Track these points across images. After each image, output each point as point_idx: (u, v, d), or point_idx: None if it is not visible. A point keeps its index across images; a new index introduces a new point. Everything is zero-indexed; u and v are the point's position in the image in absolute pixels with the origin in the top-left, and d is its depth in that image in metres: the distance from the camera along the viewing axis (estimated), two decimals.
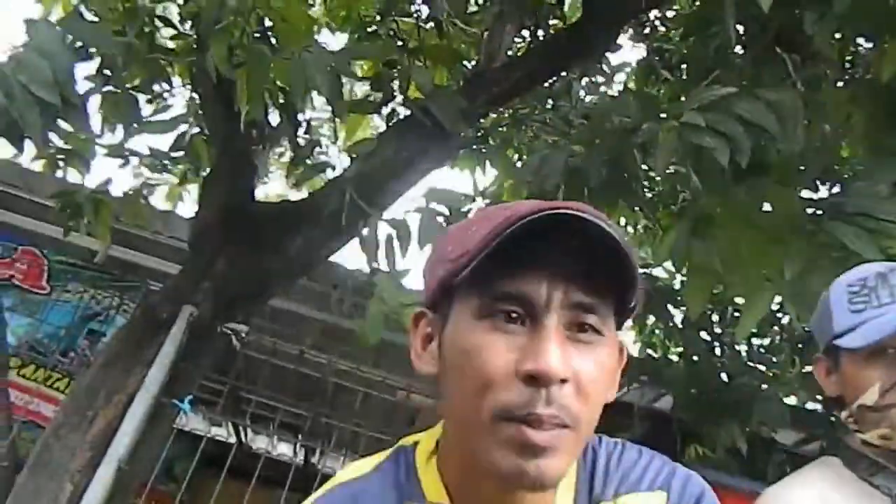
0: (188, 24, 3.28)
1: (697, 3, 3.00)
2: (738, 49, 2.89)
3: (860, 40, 2.94)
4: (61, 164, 3.32)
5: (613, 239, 0.65)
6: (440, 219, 2.56)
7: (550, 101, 4.41)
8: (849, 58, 3.07)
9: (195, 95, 3.62)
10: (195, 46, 3.08)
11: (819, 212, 2.48)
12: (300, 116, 3.26)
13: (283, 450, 5.62)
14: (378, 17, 3.46)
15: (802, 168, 2.52)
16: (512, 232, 0.61)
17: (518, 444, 0.61)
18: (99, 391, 2.80)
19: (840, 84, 2.91)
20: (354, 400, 3.86)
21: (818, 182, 2.82)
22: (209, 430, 4.49)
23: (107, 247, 4.25)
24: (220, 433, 6.02)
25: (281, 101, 3.02)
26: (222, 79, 2.76)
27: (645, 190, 3.96)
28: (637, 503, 0.76)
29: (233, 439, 5.95)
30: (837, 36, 2.68)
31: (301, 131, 3.26)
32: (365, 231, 2.64)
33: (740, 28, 2.87)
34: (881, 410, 1.07)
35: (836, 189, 2.82)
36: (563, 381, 0.62)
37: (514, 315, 0.63)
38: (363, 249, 2.67)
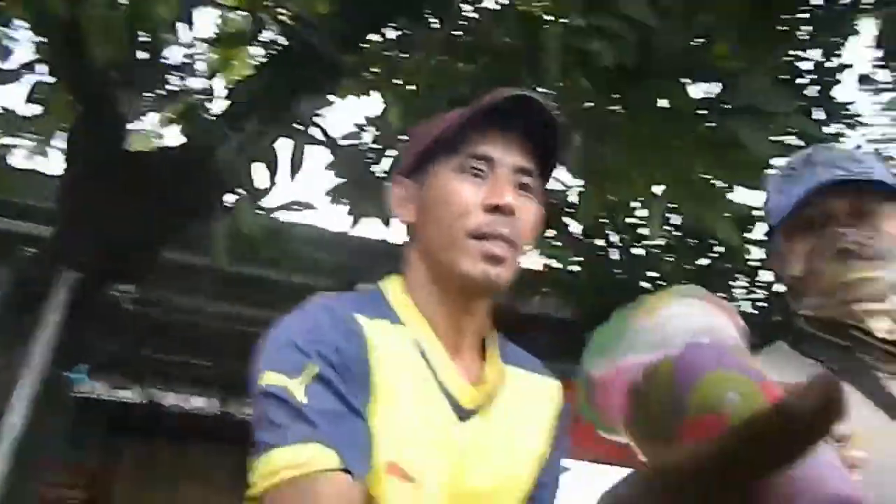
0: None
1: None
2: None
3: None
4: None
5: (552, 119, 0.90)
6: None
7: (432, 20, 4.28)
8: None
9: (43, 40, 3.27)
10: None
11: (705, 111, 2.55)
12: (161, 51, 3.01)
13: (199, 404, 5.49)
14: None
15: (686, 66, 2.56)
16: (483, 109, 0.87)
17: (484, 255, 0.86)
18: None
19: None
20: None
21: (701, 79, 2.89)
22: (115, 395, 4.31)
23: None
24: (129, 396, 5.80)
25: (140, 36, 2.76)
26: (69, 20, 2.49)
27: None
28: (538, 381, 0.99)
29: (144, 401, 5.75)
30: None
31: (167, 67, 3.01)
32: (225, 149, 2.47)
33: None
34: (808, 278, 1.09)
35: (718, 86, 2.90)
36: (513, 213, 0.87)
37: (480, 171, 0.89)
38: (224, 176, 2.51)
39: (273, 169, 2.40)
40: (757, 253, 4.59)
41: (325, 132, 2.50)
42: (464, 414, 0.86)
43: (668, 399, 0.43)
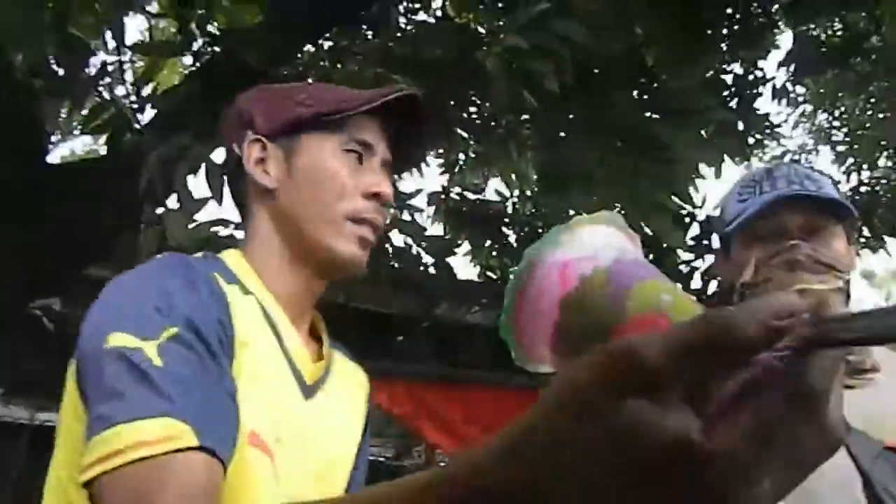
0: None
1: None
2: None
3: None
4: None
5: (422, 122, 0.97)
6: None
7: (370, 32, 4.28)
8: None
9: None
10: None
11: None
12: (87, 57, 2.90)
13: None
14: None
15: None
16: (381, 100, 0.90)
17: (359, 238, 0.88)
18: None
19: None
20: None
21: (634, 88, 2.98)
22: (34, 418, 4.10)
23: None
24: (50, 418, 5.53)
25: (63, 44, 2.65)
26: None
27: (471, 115, 4.00)
28: (352, 366, 1.00)
29: None
30: None
31: (89, 77, 2.90)
32: (152, 157, 2.37)
33: None
34: (757, 286, 1.13)
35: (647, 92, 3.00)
36: (387, 202, 0.92)
37: (360, 155, 0.91)
38: (147, 188, 2.41)
39: (209, 181, 2.33)
40: (686, 257, 4.75)
41: None
42: (307, 391, 0.85)
43: (604, 303, 0.46)
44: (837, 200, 1.15)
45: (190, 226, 2.17)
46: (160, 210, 2.53)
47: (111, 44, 3.38)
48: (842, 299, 1.12)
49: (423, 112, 0.96)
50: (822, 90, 6.51)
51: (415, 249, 4.02)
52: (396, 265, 3.71)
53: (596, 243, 0.50)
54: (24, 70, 2.66)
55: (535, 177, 4.45)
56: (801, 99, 6.96)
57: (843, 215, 1.16)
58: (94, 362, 0.68)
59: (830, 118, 7.24)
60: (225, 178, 1.00)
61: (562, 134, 2.60)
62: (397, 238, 4.02)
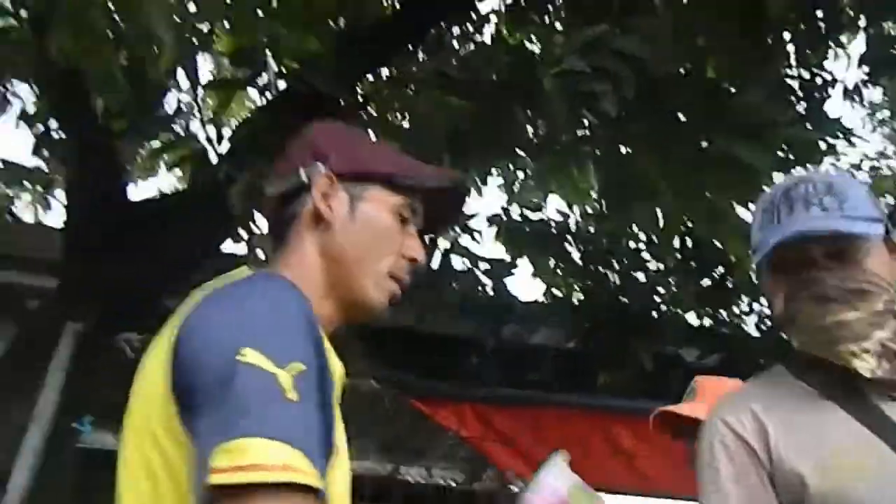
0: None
1: None
2: None
3: None
4: None
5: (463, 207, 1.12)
6: None
7: (425, 56, 4.34)
8: None
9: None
10: (35, 33, 2.80)
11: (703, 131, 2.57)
12: (162, 98, 3.04)
13: None
14: None
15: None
16: (442, 183, 1.03)
17: (392, 294, 0.97)
18: None
19: None
20: None
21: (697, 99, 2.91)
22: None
23: None
24: None
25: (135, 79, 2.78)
26: (68, 72, 2.52)
27: (529, 135, 4.00)
28: None
29: None
30: None
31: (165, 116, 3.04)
32: (237, 188, 2.43)
33: None
34: (789, 320, 1.11)
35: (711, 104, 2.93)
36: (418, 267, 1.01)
37: (407, 221, 0.99)
38: (237, 222, 2.48)
39: None
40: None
41: None
42: None
43: None
44: (861, 223, 1.08)
45: None
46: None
47: (184, 82, 3.55)
48: (887, 320, 1.06)
49: (464, 199, 1.09)
50: None
51: (478, 269, 4.03)
52: (458, 288, 3.72)
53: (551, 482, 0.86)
54: (103, 112, 2.81)
55: (594, 195, 4.39)
56: (877, 102, 6.67)
57: (874, 232, 1.10)
58: (223, 370, 0.69)
59: None
60: (268, 190, 0.99)
61: (623, 149, 2.57)
62: (457, 262, 4.03)
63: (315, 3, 3.14)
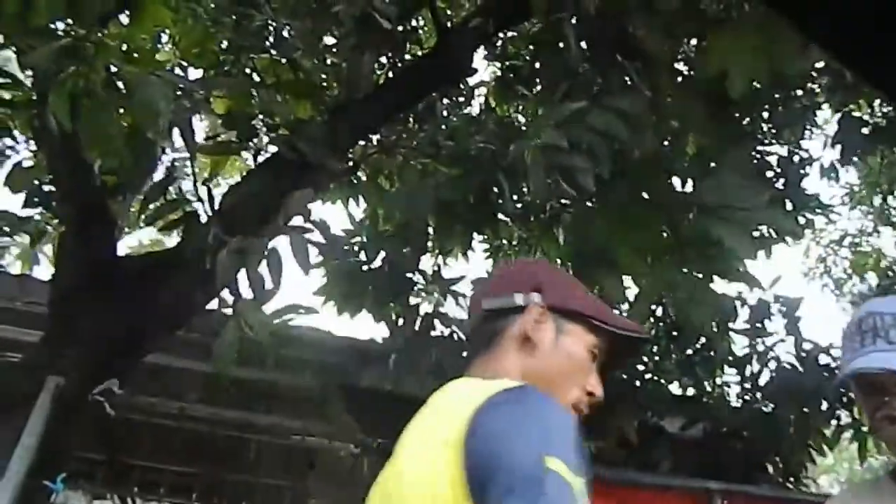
0: (28, 73, 3.07)
1: (539, 25, 3.15)
2: (585, 64, 3.06)
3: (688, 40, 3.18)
4: None
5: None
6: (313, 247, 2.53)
7: (415, 125, 4.48)
8: (681, 56, 3.32)
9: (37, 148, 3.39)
10: (35, 98, 2.89)
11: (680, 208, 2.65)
12: (157, 157, 3.11)
13: None
14: (231, 56, 3.38)
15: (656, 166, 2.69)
16: (632, 335, 1.16)
17: (578, 411, 1.07)
18: None
19: (679, 80, 3.13)
20: (248, 451, 3.70)
21: (672, 177, 3.02)
22: None
23: None
24: None
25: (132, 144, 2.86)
26: (67, 132, 2.59)
27: (514, 203, 4.10)
28: None
29: None
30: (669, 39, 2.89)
31: (159, 176, 3.10)
32: (224, 254, 2.50)
33: (583, 44, 3.04)
34: (876, 432, 1.29)
35: (686, 183, 3.03)
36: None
37: (596, 358, 1.11)
38: (220, 279, 2.54)
39: (278, 271, 2.44)
40: (742, 342, 4.63)
41: (318, 225, 2.58)
42: None
43: None
44: None
45: (266, 313, 2.27)
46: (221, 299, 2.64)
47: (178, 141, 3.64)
48: None
49: (641, 349, 1.16)
50: (872, 170, 6.43)
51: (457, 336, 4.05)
52: (438, 354, 3.74)
53: None
54: (100, 169, 2.87)
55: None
56: (853, 180, 6.87)
57: None
58: (531, 472, 0.81)
59: (887, 198, 7.11)
60: (485, 304, 1.12)
61: (596, 221, 2.65)
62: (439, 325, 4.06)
63: (310, 74, 3.26)
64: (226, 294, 2.65)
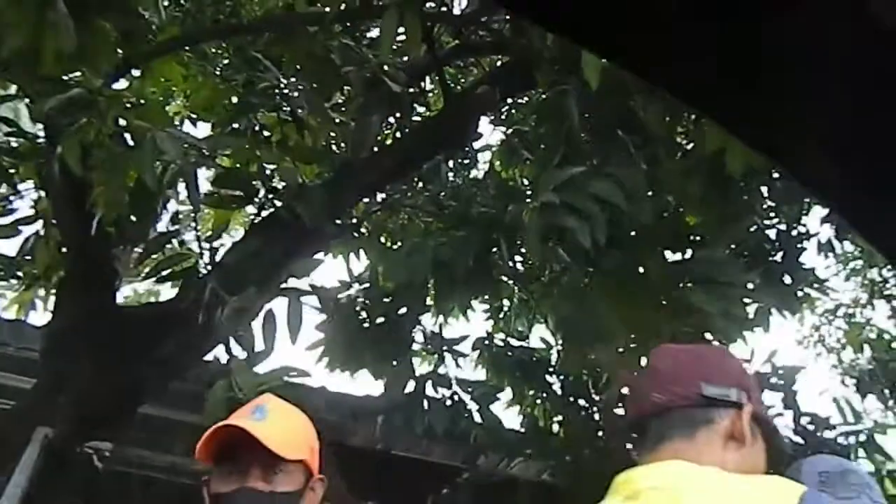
0: (38, 126, 3.13)
1: (545, 95, 3.23)
2: (584, 136, 3.12)
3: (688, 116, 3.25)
4: None
5: None
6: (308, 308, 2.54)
7: (419, 184, 4.54)
8: (681, 131, 3.39)
9: (43, 196, 3.43)
10: (44, 147, 2.94)
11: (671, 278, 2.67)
12: (160, 209, 3.14)
13: None
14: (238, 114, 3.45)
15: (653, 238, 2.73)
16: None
17: None
18: None
19: (678, 157, 3.20)
20: None
21: (668, 250, 3.05)
22: None
23: None
24: None
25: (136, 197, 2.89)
26: (74, 181, 2.63)
27: (515, 264, 4.12)
28: None
29: None
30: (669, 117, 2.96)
31: (161, 226, 3.13)
32: (224, 313, 2.52)
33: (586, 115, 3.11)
34: None
35: (682, 256, 3.06)
36: None
37: None
38: (216, 335, 2.56)
39: (272, 332, 2.45)
40: None
41: (315, 288, 2.60)
42: None
43: None
44: None
45: (257, 374, 2.27)
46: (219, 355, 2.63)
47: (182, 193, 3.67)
48: None
49: None
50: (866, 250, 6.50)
51: (464, 394, 4.01)
52: (440, 414, 3.70)
53: None
54: (103, 219, 2.90)
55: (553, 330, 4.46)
56: (850, 255, 6.93)
57: None
58: None
59: (882, 272, 7.17)
60: (707, 390, 1.15)
61: (588, 288, 2.67)
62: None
63: (316, 133, 3.32)
64: (220, 351, 2.64)
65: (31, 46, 2.33)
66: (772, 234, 4.40)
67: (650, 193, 2.59)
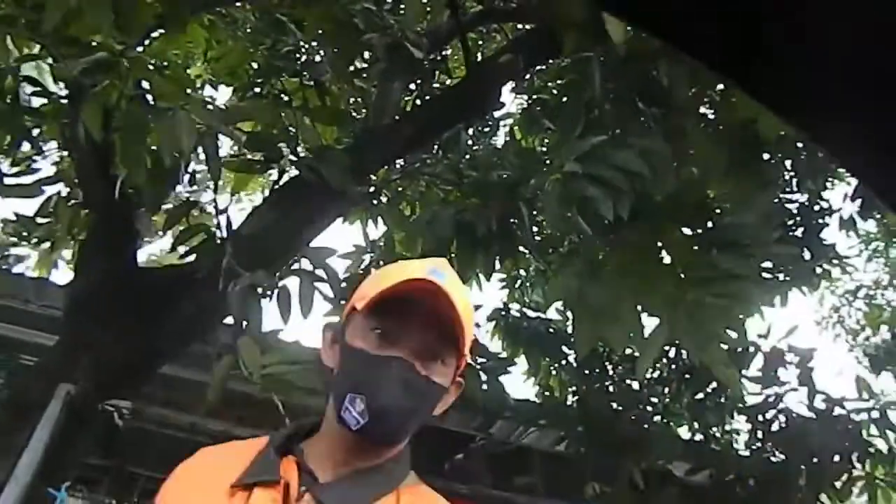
0: (60, 85, 3.14)
1: (567, 62, 3.18)
2: (606, 105, 3.07)
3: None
4: None
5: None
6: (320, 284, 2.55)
7: (439, 152, 4.51)
8: (706, 101, 3.33)
9: (66, 157, 3.45)
10: (67, 108, 2.95)
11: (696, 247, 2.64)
12: (181, 173, 3.15)
13: None
14: (260, 78, 3.44)
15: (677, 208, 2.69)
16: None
17: None
18: None
19: (702, 126, 3.14)
20: None
21: (690, 221, 3.01)
22: None
23: None
24: None
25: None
26: (96, 143, 2.64)
27: (534, 234, 4.10)
28: None
29: None
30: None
31: (182, 188, 3.15)
32: (235, 290, 2.53)
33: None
34: None
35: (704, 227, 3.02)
36: None
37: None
38: (230, 309, 2.56)
39: (287, 310, 2.46)
40: (753, 389, 4.58)
41: (328, 274, 2.60)
42: None
43: None
44: None
45: (263, 354, 2.28)
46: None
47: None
48: None
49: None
50: (891, 226, 6.40)
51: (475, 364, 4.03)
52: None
53: None
54: (125, 180, 2.92)
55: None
56: (872, 235, 6.82)
57: None
58: None
59: None
60: None
61: (607, 265, 2.65)
62: None
63: (337, 99, 3.30)
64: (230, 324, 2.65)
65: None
66: (793, 208, 4.35)
67: (672, 165, 2.55)
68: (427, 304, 1.01)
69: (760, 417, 4.54)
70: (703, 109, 3.31)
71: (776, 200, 4.09)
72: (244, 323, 2.43)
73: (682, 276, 2.35)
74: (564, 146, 2.69)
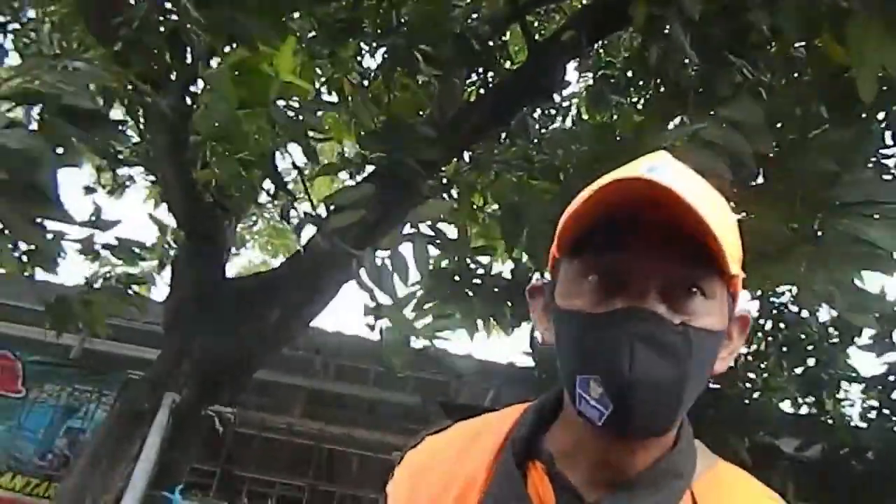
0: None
1: (634, 35, 3.07)
2: (694, 69, 2.93)
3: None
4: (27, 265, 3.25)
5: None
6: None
7: (507, 140, 4.46)
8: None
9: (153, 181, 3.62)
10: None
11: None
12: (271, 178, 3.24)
13: None
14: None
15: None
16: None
17: None
18: (84, 495, 2.70)
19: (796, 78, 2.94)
20: (351, 465, 3.78)
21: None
22: None
23: (82, 341, 4.17)
24: None
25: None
26: (185, 165, 2.76)
27: None
28: None
29: None
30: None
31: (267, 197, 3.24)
32: (361, 270, 2.56)
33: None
34: None
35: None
36: None
37: None
38: (361, 288, 2.58)
39: (405, 274, 2.47)
40: (862, 358, 4.31)
41: (437, 232, 2.62)
42: None
43: None
44: None
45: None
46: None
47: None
48: None
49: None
50: None
51: None
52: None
53: None
54: (211, 194, 3.04)
55: None
56: None
57: None
58: None
59: None
60: None
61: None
62: None
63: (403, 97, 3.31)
64: (367, 301, 2.68)
65: None
66: (890, 164, 4.06)
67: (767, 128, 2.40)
68: (653, 216, 0.68)
69: (880, 387, 4.27)
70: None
71: (873, 158, 3.83)
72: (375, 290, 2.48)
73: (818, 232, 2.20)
74: (648, 133, 2.55)
